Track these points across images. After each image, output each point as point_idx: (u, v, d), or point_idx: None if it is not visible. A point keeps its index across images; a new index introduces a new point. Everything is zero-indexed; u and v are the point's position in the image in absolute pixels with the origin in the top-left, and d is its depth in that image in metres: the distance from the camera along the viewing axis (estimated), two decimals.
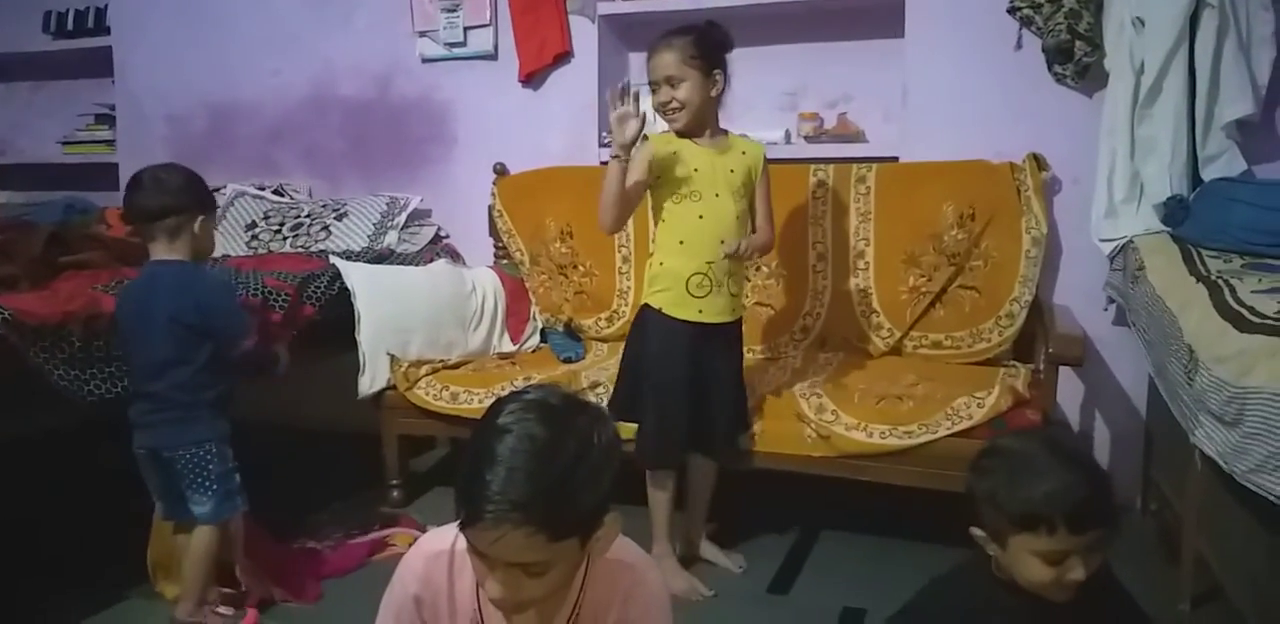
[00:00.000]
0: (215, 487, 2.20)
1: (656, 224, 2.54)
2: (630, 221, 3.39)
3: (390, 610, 1.42)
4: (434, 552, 1.40)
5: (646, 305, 2.54)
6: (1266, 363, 1.65)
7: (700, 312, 2.49)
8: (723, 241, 2.46)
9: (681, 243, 2.48)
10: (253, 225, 3.65)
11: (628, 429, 2.48)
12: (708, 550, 2.68)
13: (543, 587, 1.23)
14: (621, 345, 3.34)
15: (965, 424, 2.49)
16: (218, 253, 3.43)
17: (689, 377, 2.49)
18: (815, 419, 2.65)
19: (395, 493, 3.06)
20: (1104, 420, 3.11)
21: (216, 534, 2.24)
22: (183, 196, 2.20)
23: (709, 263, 2.47)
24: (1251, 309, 1.90)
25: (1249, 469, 1.62)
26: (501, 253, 3.63)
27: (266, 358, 2.50)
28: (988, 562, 1.49)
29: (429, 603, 1.39)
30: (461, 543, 1.31)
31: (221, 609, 2.27)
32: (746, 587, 2.55)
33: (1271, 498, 1.53)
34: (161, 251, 2.20)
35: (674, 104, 2.43)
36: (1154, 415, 2.90)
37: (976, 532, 1.47)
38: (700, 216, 2.47)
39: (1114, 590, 1.52)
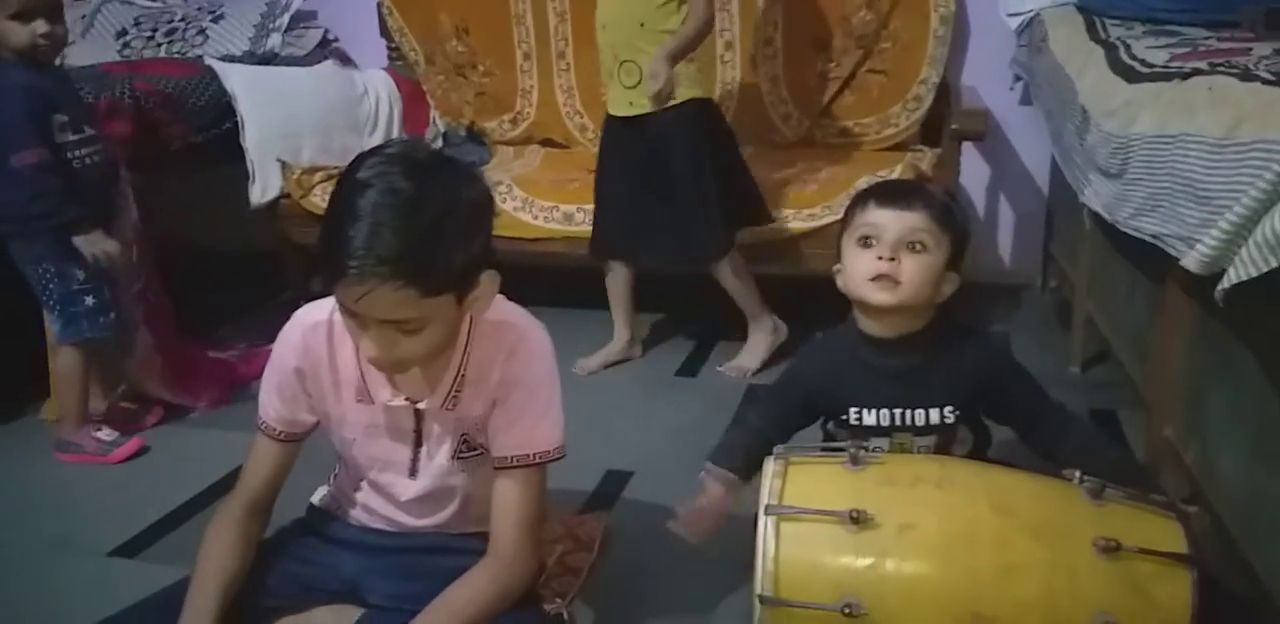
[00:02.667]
0: (58, 308, 2.13)
1: None
2: (528, 14, 3.24)
3: (272, 385, 1.40)
4: (311, 322, 1.36)
5: None
6: (1150, 109, 1.64)
7: (605, 101, 2.44)
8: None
9: (604, 27, 2.39)
10: (124, 33, 3.40)
11: None
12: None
13: (419, 345, 1.20)
14: (527, 149, 3.30)
15: None
16: (86, 62, 3.22)
17: (615, 171, 2.48)
18: None
19: (299, 304, 2.99)
20: (1008, 201, 3.14)
21: (76, 355, 2.18)
22: None
23: (607, 49, 2.37)
24: (1143, 61, 1.88)
25: (1129, 215, 1.64)
26: (395, 54, 3.45)
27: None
28: (854, 323, 1.50)
29: (310, 374, 1.37)
30: (339, 313, 1.28)
31: (101, 433, 2.24)
32: (655, 372, 2.60)
33: (1148, 238, 1.55)
34: None
35: None
36: (1055, 193, 2.93)
37: (836, 267, 1.49)
38: None
39: (982, 344, 1.53)
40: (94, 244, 2.08)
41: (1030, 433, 1.50)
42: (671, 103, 2.34)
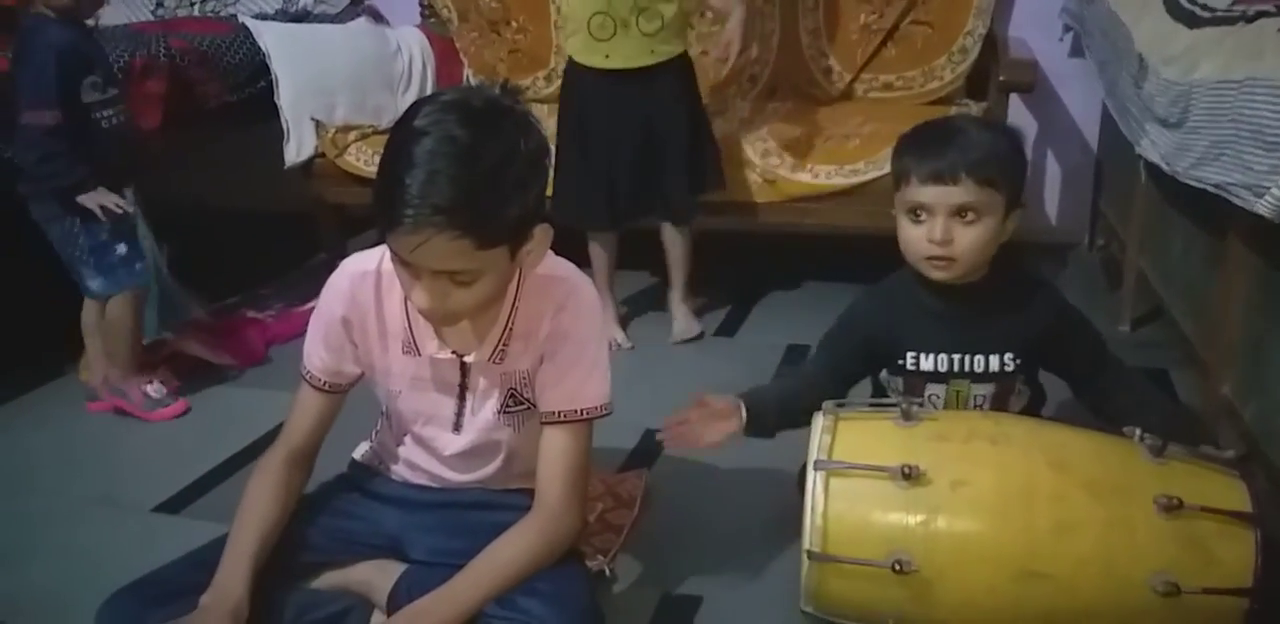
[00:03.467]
0: (92, 261, 2.11)
1: None
2: None
3: (318, 334, 1.39)
4: (359, 272, 1.35)
5: (570, 57, 2.40)
6: (1213, 55, 1.57)
7: (608, 56, 2.31)
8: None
9: None
10: None
11: None
12: (678, 312, 2.57)
13: (471, 297, 1.18)
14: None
15: None
16: (120, 20, 3.20)
17: (608, 130, 2.36)
18: (761, 164, 2.58)
19: (335, 265, 2.98)
20: (1055, 157, 3.06)
21: (122, 305, 2.16)
22: None
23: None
24: (1204, 6, 1.80)
25: (1191, 165, 1.58)
26: (428, 11, 3.39)
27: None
28: (912, 268, 1.47)
29: (357, 324, 1.35)
30: (388, 264, 1.26)
31: (151, 387, 2.24)
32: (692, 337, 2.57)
33: (1210, 188, 1.49)
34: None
35: None
36: (1105, 147, 2.85)
37: (893, 210, 1.45)
38: None
39: (1044, 294, 1.50)
40: (94, 199, 2.05)
41: (1085, 385, 1.47)
42: (673, 55, 2.31)
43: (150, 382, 2.24)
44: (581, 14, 2.28)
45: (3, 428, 2.21)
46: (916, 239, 1.37)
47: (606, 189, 2.40)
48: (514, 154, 1.13)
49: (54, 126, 1.98)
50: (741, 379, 2.24)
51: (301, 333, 2.56)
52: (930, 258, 1.37)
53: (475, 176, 1.10)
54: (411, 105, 1.17)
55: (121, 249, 2.14)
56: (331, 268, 1.40)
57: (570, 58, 2.40)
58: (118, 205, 2.07)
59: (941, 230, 1.34)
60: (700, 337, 2.53)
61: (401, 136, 1.13)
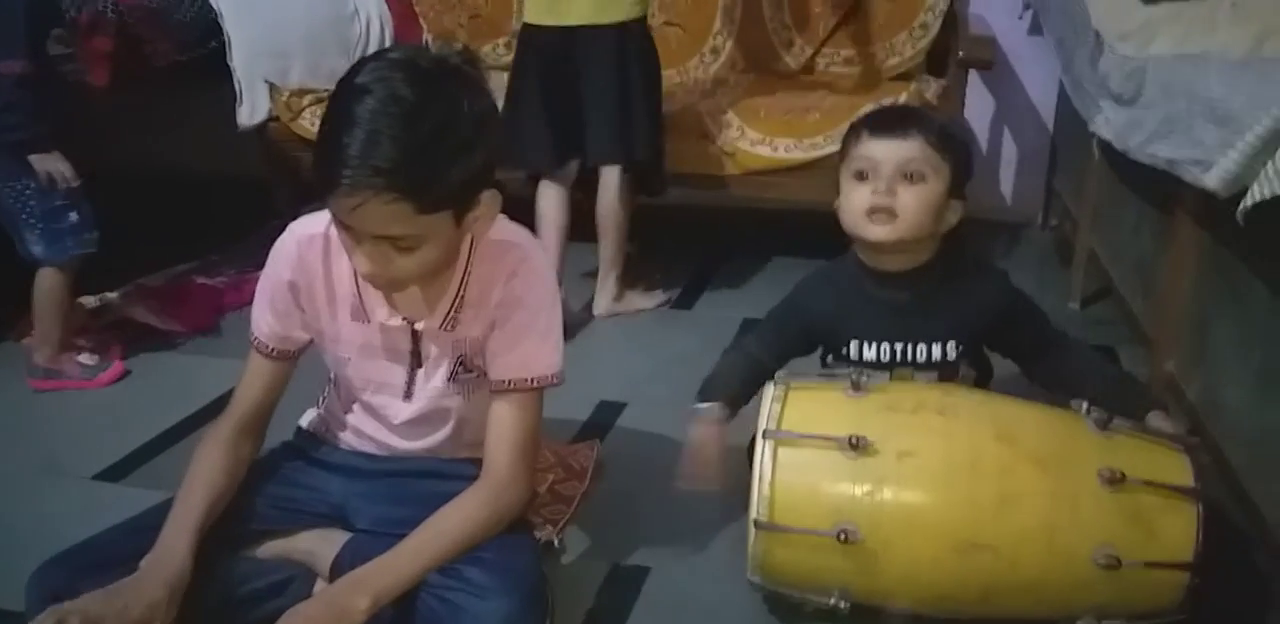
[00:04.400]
0: (40, 226, 2.05)
1: None
2: None
3: (265, 298, 1.35)
4: (307, 235, 1.31)
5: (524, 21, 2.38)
6: (1169, 29, 1.59)
7: (549, 11, 2.28)
8: None
9: None
10: None
11: None
12: (633, 301, 2.54)
13: (414, 263, 1.16)
14: None
15: None
16: None
17: (545, 81, 2.33)
18: (721, 136, 2.57)
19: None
20: (1011, 135, 3.07)
21: (58, 276, 2.10)
22: None
23: None
24: None
25: (1143, 141, 1.59)
26: None
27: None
28: (856, 255, 1.47)
29: (304, 288, 1.32)
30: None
31: (83, 357, 2.19)
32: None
33: (1161, 164, 1.50)
34: None
35: None
36: (1061, 127, 2.87)
37: (836, 203, 1.45)
38: None
39: (989, 279, 1.50)
40: (47, 163, 1.99)
41: (1033, 363, 1.47)
42: (624, 19, 2.27)
43: (79, 352, 2.20)
44: None
45: None
46: (860, 196, 1.36)
47: (540, 131, 2.36)
48: (459, 116, 1.10)
49: (21, 77, 1.92)
50: (696, 351, 2.24)
51: (251, 300, 2.54)
52: (871, 210, 1.35)
53: (417, 138, 1.06)
54: (357, 62, 1.13)
55: (74, 216, 2.08)
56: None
57: (524, 22, 2.36)
58: (65, 177, 2.01)
59: (886, 182, 1.34)
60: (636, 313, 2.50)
61: (344, 94, 1.09)
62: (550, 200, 2.43)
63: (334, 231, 1.25)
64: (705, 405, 1.41)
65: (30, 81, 1.93)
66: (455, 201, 1.14)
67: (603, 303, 2.50)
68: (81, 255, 2.12)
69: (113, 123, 2.52)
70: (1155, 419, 1.30)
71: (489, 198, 1.19)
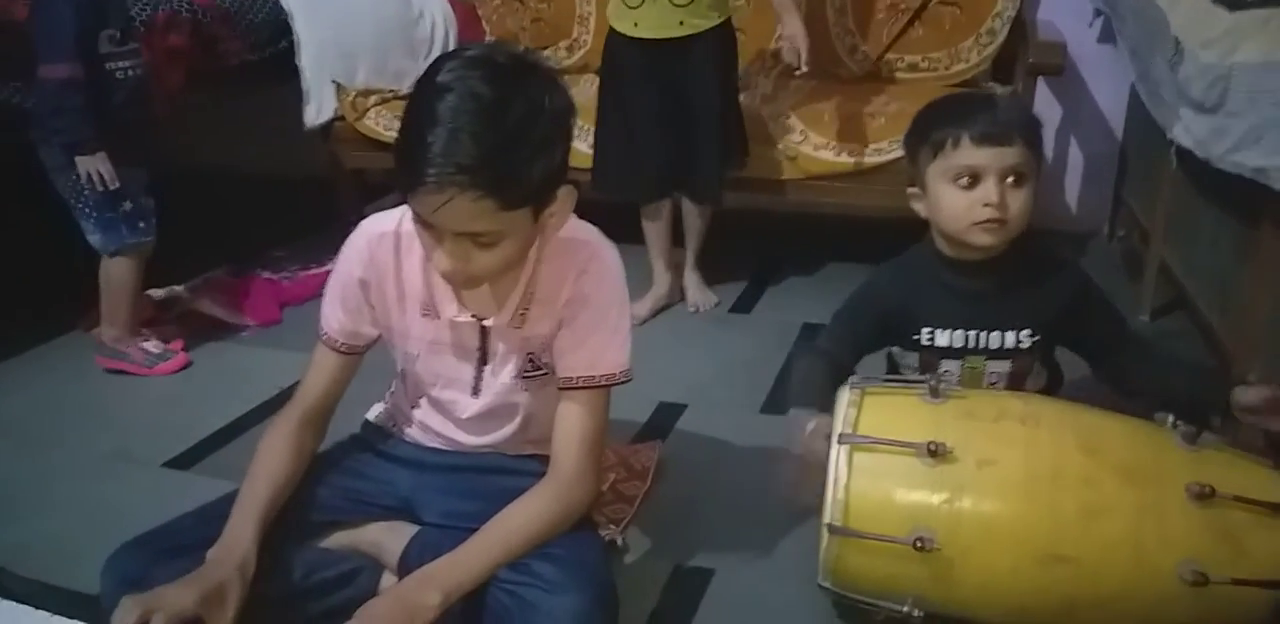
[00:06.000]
0: (95, 215, 2.08)
1: None
2: None
3: (336, 295, 1.36)
4: (378, 233, 1.32)
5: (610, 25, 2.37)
6: (1255, 36, 1.55)
7: (636, 24, 2.28)
8: None
9: None
10: None
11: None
12: (690, 281, 2.58)
13: (493, 259, 1.16)
14: (583, 78, 3.20)
15: None
16: None
17: (642, 102, 2.32)
18: (783, 140, 2.55)
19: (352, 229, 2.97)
20: (1079, 143, 3.02)
21: (123, 264, 2.14)
22: None
23: None
24: None
25: (1228, 149, 1.55)
26: None
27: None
28: (932, 243, 1.45)
29: (375, 285, 1.33)
30: (407, 225, 1.24)
31: (149, 344, 2.23)
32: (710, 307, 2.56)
33: (1247, 173, 1.46)
34: None
35: None
36: (1131, 135, 2.82)
37: (911, 190, 1.43)
38: None
39: (1065, 271, 1.47)
40: (90, 164, 2.02)
41: (1104, 360, 1.45)
42: (713, 23, 2.26)
43: (148, 338, 2.23)
44: None
45: (15, 382, 2.21)
46: (968, 205, 1.34)
47: (641, 160, 2.36)
48: (539, 112, 1.10)
49: (69, 79, 1.96)
50: (756, 355, 2.24)
51: (316, 295, 2.56)
52: (982, 221, 1.34)
53: (499, 134, 1.06)
54: (435, 60, 1.13)
55: (127, 206, 2.12)
56: (349, 231, 1.37)
57: (613, 29, 2.36)
58: (103, 179, 2.04)
59: (998, 193, 1.32)
60: (717, 305, 2.54)
61: (424, 93, 1.09)
62: (658, 230, 2.49)
63: (405, 229, 1.26)
64: (807, 411, 1.36)
65: (78, 84, 1.97)
66: (536, 197, 1.14)
67: (696, 298, 2.53)
68: (139, 244, 2.16)
69: (181, 119, 2.55)
70: (1241, 393, 1.26)
71: (565, 194, 1.19)
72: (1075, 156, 3.03)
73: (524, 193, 1.11)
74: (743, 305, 2.58)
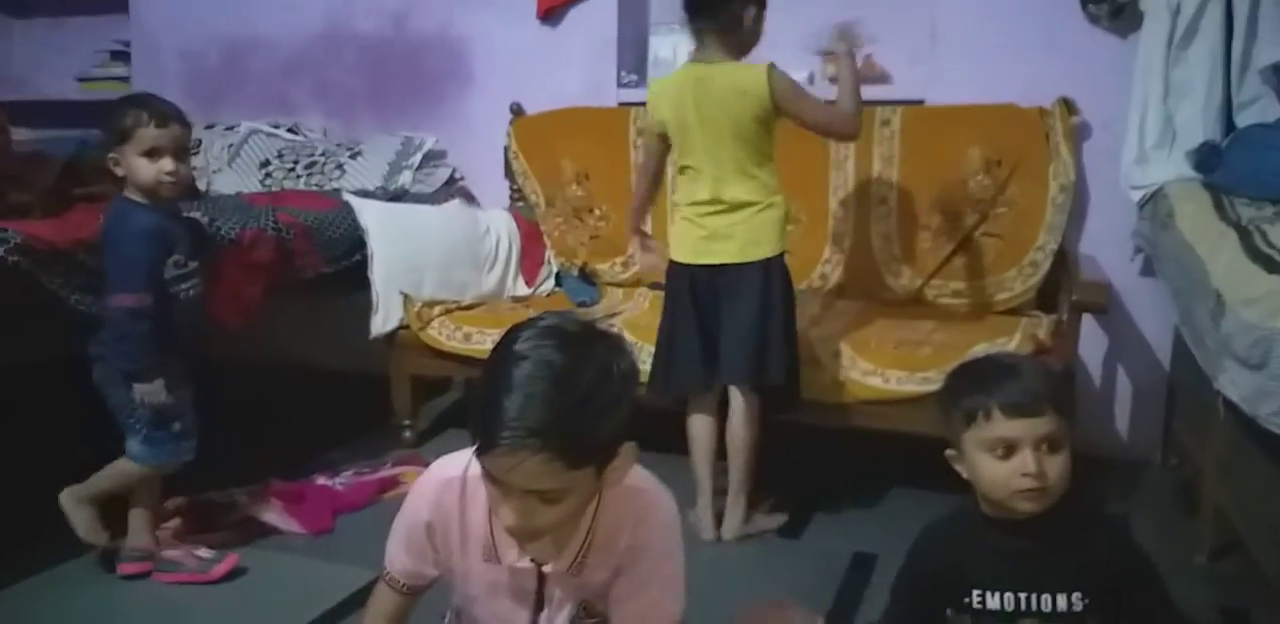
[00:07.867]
0: (145, 431, 2.12)
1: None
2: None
3: (401, 536, 1.41)
4: (445, 478, 1.37)
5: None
6: None
7: (706, 254, 2.44)
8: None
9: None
10: (266, 163, 3.62)
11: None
12: (758, 523, 2.54)
13: (558, 514, 1.20)
14: (636, 291, 3.35)
15: None
16: (231, 189, 3.41)
17: (688, 316, 2.46)
18: (830, 365, 2.62)
19: (407, 433, 3.05)
20: (1126, 373, 3.06)
21: (141, 471, 2.16)
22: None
23: (691, 204, 2.45)
24: None
25: (1273, 411, 1.58)
26: (517, 195, 3.58)
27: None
28: (975, 505, 1.47)
29: (440, 529, 1.37)
30: (474, 470, 1.29)
31: (201, 551, 2.24)
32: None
33: None
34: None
35: None
36: (1178, 368, 2.85)
37: (950, 452, 1.46)
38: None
39: (1110, 532, 1.48)
40: (148, 394, 2.08)
41: None
42: (766, 255, 2.41)
43: (197, 547, 2.25)
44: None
45: (38, 601, 2.13)
46: (1008, 475, 1.37)
47: (685, 358, 2.47)
48: (607, 376, 1.17)
49: (137, 308, 2.02)
50: (806, 586, 2.20)
51: (367, 503, 2.58)
52: (1023, 491, 1.37)
53: (569, 400, 1.13)
54: (510, 329, 1.22)
55: (176, 426, 2.15)
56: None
57: (671, 260, 2.53)
58: (158, 407, 2.10)
59: (1035, 463, 1.35)
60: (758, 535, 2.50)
61: (501, 360, 1.17)
62: (700, 427, 2.52)
63: (471, 474, 1.31)
64: None
65: (147, 312, 2.02)
66: (601, 456, 1.19)
67: (733, 525, 2.50)
68: (178, 463, 2.18)
69: (254, 329, 2.66)
70: None
71: (628, 450, 1.24)
72: (1124, 384, 3.06)
73: (591, 452, 1.17)
74: (791, 530, 2.55)
